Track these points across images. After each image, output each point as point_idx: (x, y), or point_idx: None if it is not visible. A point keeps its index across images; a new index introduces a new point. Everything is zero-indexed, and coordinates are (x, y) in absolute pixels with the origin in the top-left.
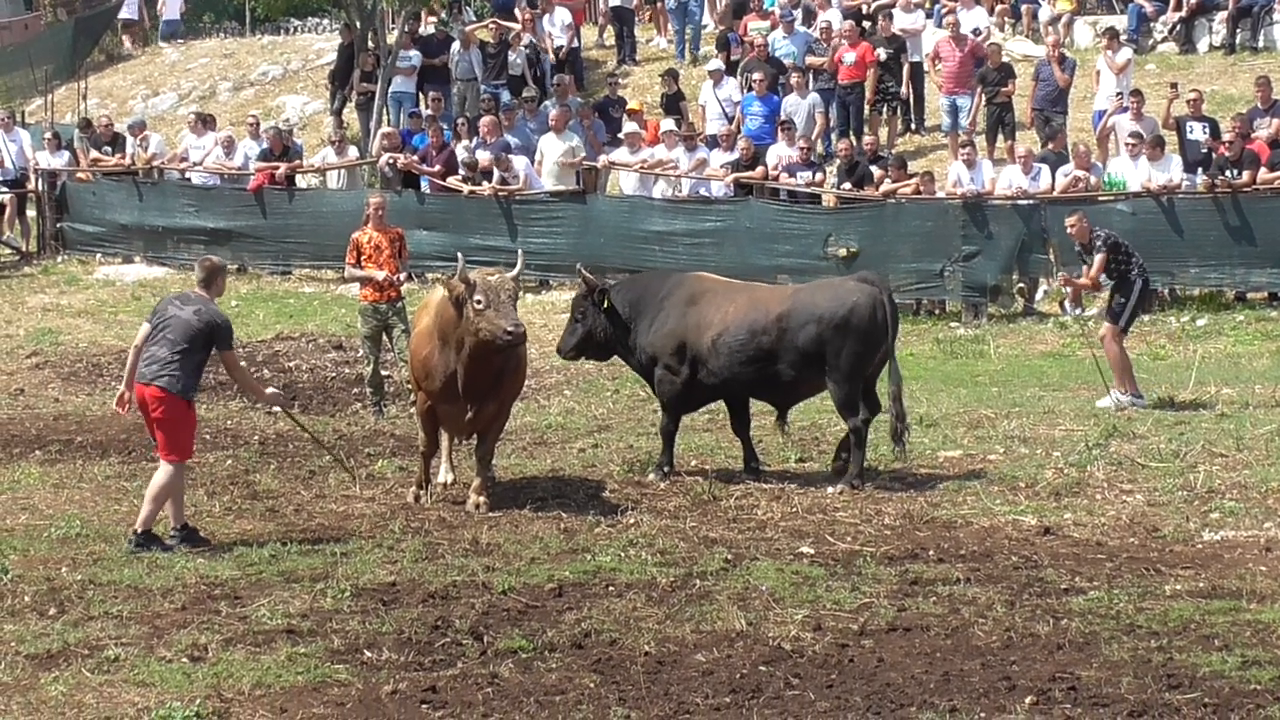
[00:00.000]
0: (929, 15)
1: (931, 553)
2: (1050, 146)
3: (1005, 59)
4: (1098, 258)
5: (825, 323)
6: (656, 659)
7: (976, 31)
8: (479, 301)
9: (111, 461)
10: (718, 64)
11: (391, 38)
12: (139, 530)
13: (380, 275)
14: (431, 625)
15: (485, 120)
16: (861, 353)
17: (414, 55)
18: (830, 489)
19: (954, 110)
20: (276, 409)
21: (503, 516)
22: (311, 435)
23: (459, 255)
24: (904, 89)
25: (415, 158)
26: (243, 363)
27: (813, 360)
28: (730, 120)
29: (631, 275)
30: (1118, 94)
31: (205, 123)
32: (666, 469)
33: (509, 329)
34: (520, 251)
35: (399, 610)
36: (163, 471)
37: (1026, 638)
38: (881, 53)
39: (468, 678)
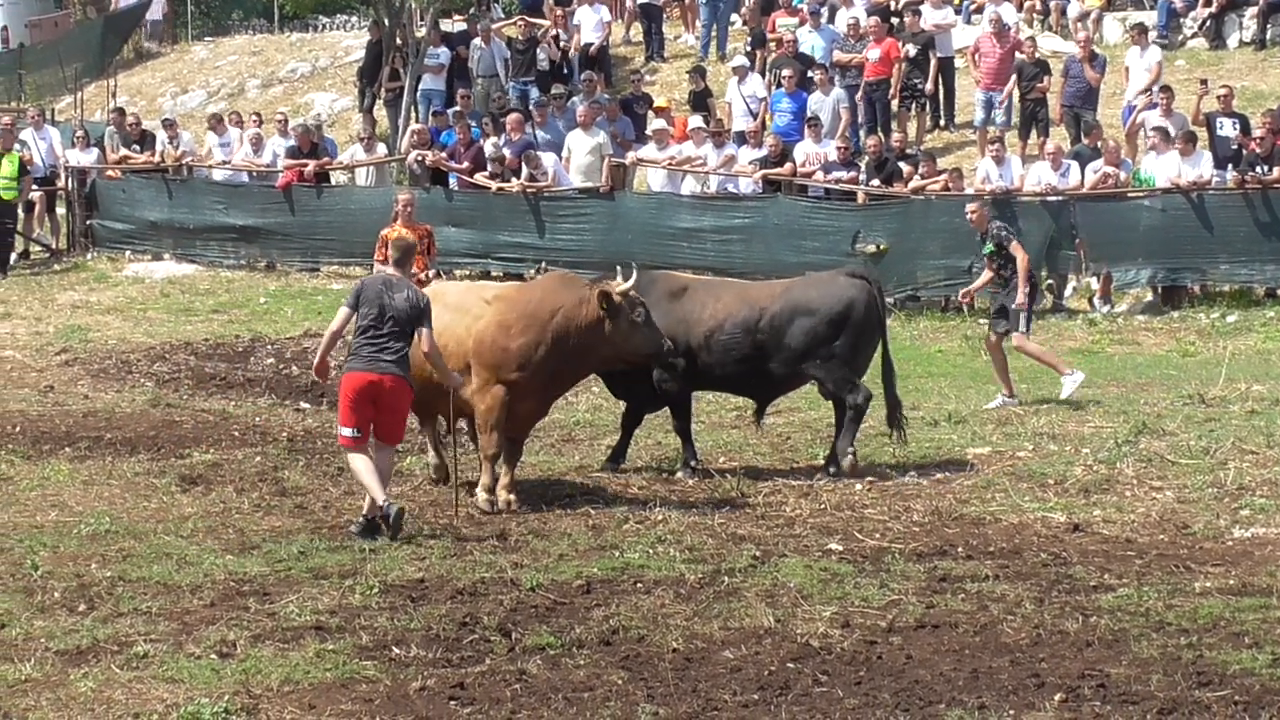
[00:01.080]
0: (958, 11)
1: (960, 549)
2: (1086, 141)
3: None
4: (1015, 249)
5: (822, 318)
6: (684, 656)
7: (1006, 26)
8: (639, 315)
9: (141, 458)
10: (742, 60)
11: (420, 34)
12: (368, 516)
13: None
14: (460, 622)
15: (513, 117)
16: (858, 347)
17: (442, 53)
18: (857, 486)
19: (989, 105)
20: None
21: (531, 513)
22: (449, 434)
23: (631, 266)
24: (930, 85)
25: (443, 154)
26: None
27: (806, 356)
28: (755, 116)
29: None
30: (1147, 90)
31: (223, 121)
32: (694, 464)
33: (668, 345)
34: (634, 266)
35: (427, 607)
36: (387, 455)
37: (1055, 635)
38: (911, 49)
39: (496, 674)
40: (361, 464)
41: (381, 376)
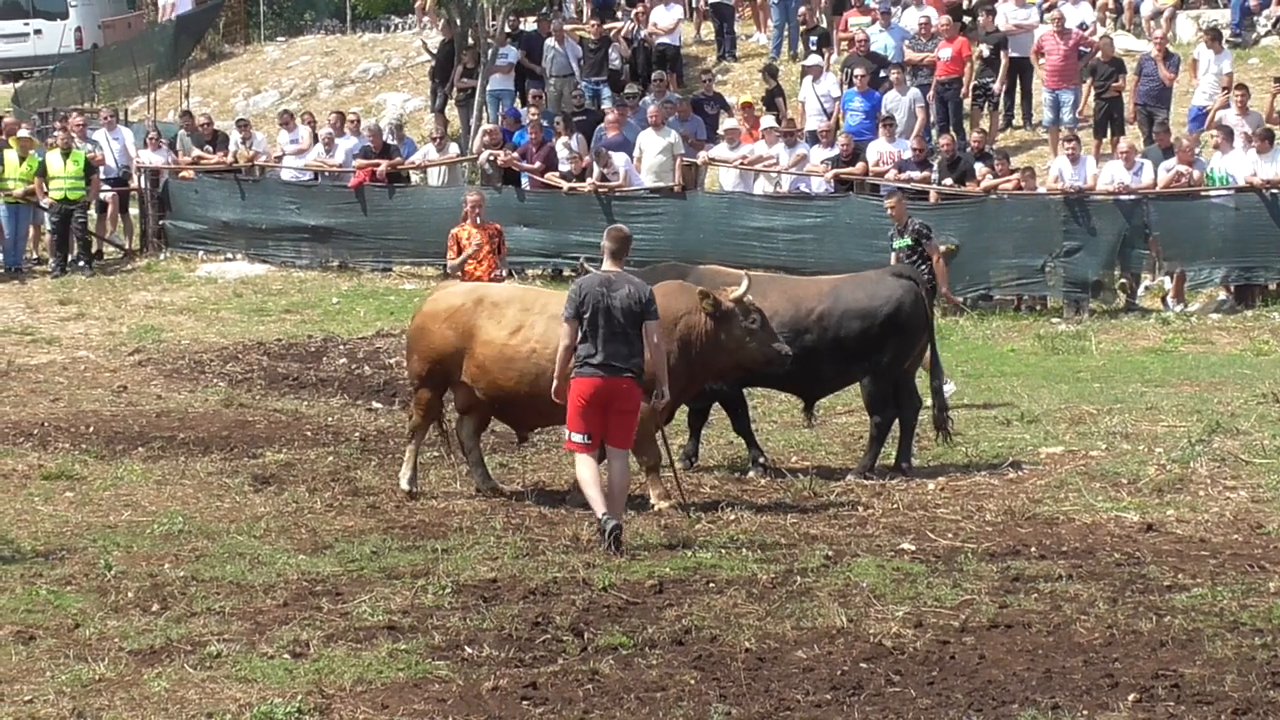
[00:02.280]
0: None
1: (1033, 549)
2: (1156, 141)
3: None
4: (931, 245)
5: (871, 319)
6: (757, 655)
7: (1083, 25)
8: (754, 322)
9: (214, 458)
10: (816, 60)
11: (491, 34)
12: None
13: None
14: (532, 622)
15: (611, 116)
16: (904, 347)
17: (511, 52)
18: (930, 485)
19: (1056, 105)
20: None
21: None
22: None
23: (745, 275)
24: (999, 84)
25: (515, 154)
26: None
27: (853, 356)
28: (829, 116)
29: (644, 269)
30: (1223, 89)
31: (294, 118)
32: (763, 461)
33: (786, 351)
34: (747, 275)
35: (500, 607)
36: (622, 461)
37: (1129, 635)
38: (984, 48)
39: (568, 674)
40: (588, 473)
41: (612, 380)
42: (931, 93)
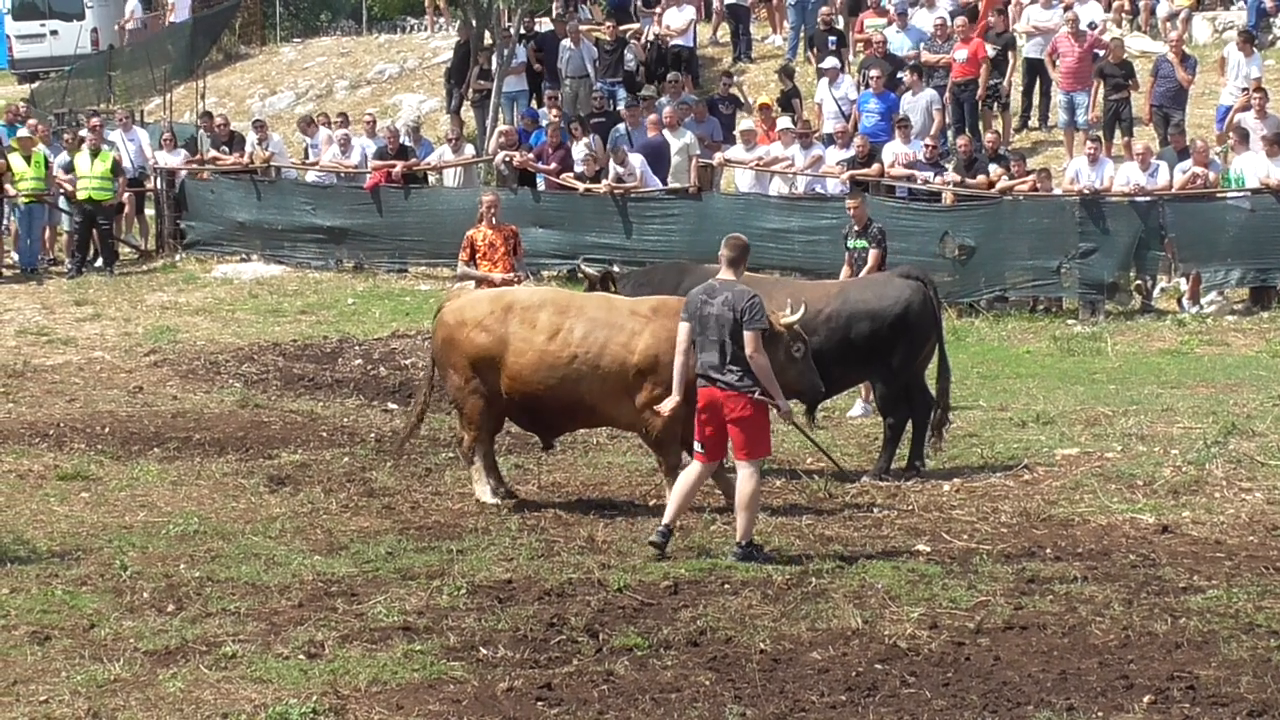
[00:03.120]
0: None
1: (1049, 551)
2: (1171, 143)
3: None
4: (875, 252)
5: (880, 320)
6: (772, 657)
7: (1093, 25)
8: (798, 351)
9: (229, 459)
10: (833, 62)
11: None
12: (742, 542)
13: (496, 278)
14: (547, 623)
15: (652, 118)
16: (914, 349)
17: (521, 52)
18: (945, 487)
19: (1071, 107)
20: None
21: (618, 514)
22: (810, 439)
23: (800, 304)
24: (1006, 85)
25: (531, 155)
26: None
27: (862, 358)
28: (847, 118)
29: (643, 268)
30: (1244, 89)
31: (314, 122)
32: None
33: (821, 388)
34: (804, 303)
35: (515, 607)
36: (745, 474)
37: (1144, 636)
38: (990, 49)
39: (583, 675)
40: (684, 481)
41: (708, 390)
42: (947, 94)
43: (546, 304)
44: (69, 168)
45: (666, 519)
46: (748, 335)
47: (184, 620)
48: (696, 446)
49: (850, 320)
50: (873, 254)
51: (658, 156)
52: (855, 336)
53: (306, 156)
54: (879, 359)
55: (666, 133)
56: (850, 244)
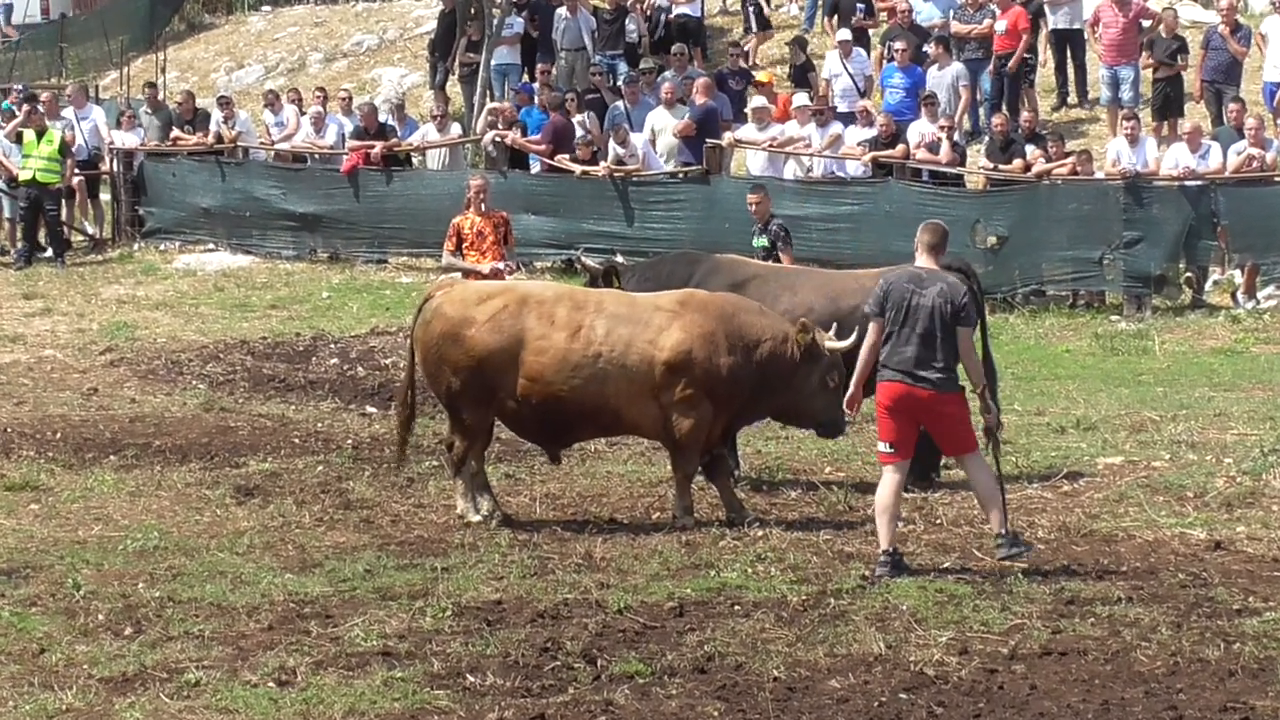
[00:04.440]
0: None
1: (1089, 569)
2: (1231, 121)
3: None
4: (787, 253)
5: None
6: (786, 685)
7: None
8: (834, 380)
9: (192, 468)
10: (846, 34)
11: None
12: (1003, 532)
13: (485, 268)
14: (540, 647)
15: (668, 86)
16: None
17: (517, 22)
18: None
19: (1115, 82)
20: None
21: (618, 529)
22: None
23: (844, 341)
24: (1041, 59)
25: (524, 136)
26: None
27: None
28: (864, 94)
29: (650, 259)
30: None
31: (280, 98)
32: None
33: (845, 429)
34: (857, 331)
35: (505, 631)
36: (975, 464)
37: (1194, 663)
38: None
39: (580, 705)
40: (886, 495)
41: (914, 389)
42: (991, 67)
43: (563, 298)
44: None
45: (883, 544)
46: (962, 332)
47: (143, 644)
48: (884, 447)
49: None
50: (785, 257)
51: (710, 120)
52: None
53: (269, 137)
54: None
55: (664, 110)
56: (755, 243)
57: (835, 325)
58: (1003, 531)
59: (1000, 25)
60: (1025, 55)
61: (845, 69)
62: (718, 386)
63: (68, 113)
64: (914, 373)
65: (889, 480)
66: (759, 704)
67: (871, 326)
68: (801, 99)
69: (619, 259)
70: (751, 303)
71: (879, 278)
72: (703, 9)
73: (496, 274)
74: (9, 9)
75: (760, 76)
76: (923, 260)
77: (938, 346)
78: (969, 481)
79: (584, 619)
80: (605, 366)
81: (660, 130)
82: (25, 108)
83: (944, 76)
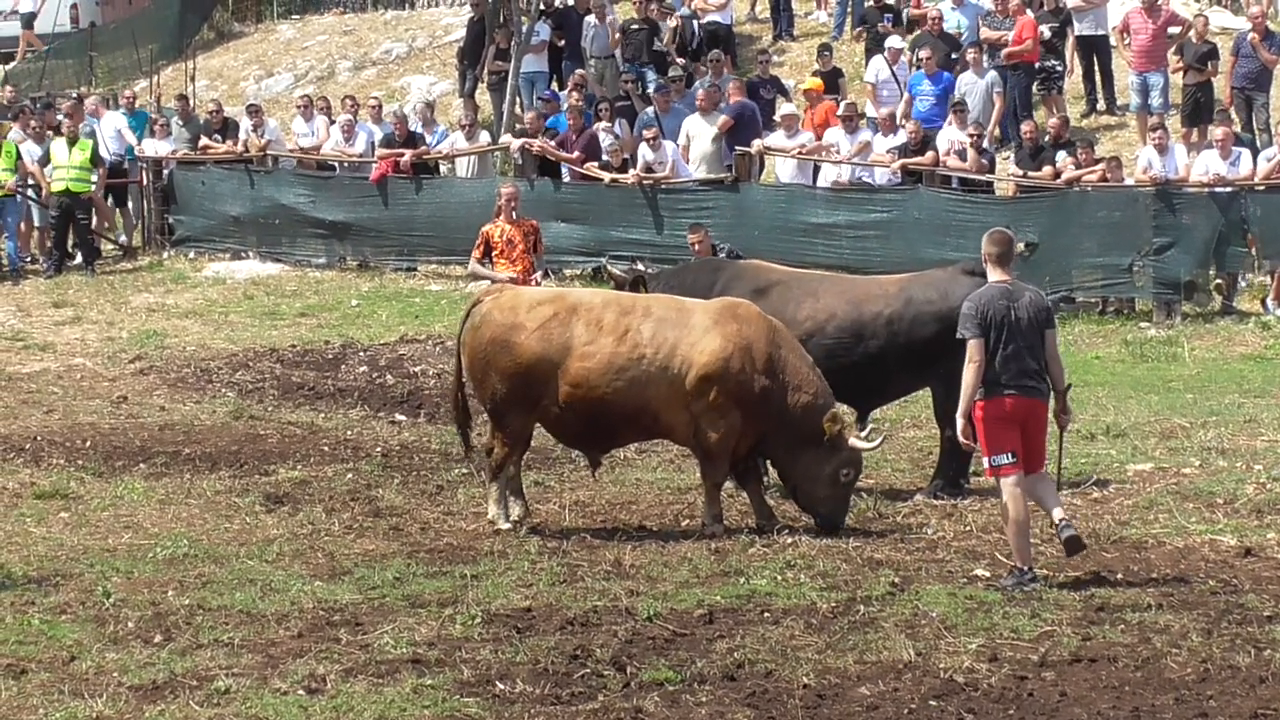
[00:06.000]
0: None
1: (1120, 576)
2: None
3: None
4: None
5: (946, 322)
6: (816, 692)
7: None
8: (846, 476)
9: (222, 475)
10: (897, 40)
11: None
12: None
13: (504, 276)
14: (570, 655)
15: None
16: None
17: (543, 29)
18: (969, 501)
19: (1144, 89)
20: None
21: (647, 536)
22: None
23: (880, 435)
24: (1069, 66)
25: (553, 143)
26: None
27: (925, 363)
28: (899, 99)
29: (675, 266)
30: None
31: (310, 106)
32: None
33: (840, 531)
34: (884, 436)
35: (534, 638)
36: (1043, 482)
37: (1225, 670)
38: (1045, 30)
39: (609, 712)
40: (1021, 512)
41: (1029, 401)
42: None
43: (610, 304)
44: (45, 159)
45: (1018, 561)
46: (1049, 336)
47: (172, 652)
48: (1004, 459)
49: (914, 323)
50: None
51: (747, 121)
52: (919, 340)
53: (299, 146)
54: (944, 364)
55: (699, 117)
56: None
57: (878, 442)
58: (1015, 580)
59: (1012, 33)
60: (1051, 64)
61: (894, 76)
62: (747, 398)
63: (90, 121)
64: (1030, 385)
65: (1015, 493)
66: (788, 711)
67: (973, 347)
68: (847, 106)
69: (640, 266)
70: (805, 354)
71: (900, 285)
72: (732, 16)
73: (520, 284)
74: (31, 16)
75: (808, 84)
76: (995, 274)
77: (1038, 356)
78: (1030, 494)
79: (613, 626)
80: (648, 369)
81: (695, 136)
82: (48, 115)
83: (978, 84)
